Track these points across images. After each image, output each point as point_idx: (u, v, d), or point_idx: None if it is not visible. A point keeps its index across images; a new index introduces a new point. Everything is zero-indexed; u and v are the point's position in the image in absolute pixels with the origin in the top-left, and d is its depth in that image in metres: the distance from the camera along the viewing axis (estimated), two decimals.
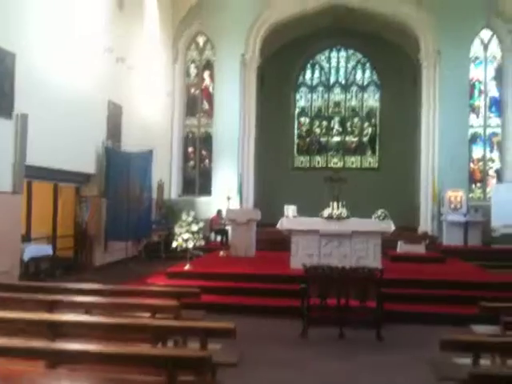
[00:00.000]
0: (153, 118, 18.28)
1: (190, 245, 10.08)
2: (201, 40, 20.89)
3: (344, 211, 10.29)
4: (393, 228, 10.32)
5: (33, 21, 11.26)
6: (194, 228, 10.10)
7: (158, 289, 6.45)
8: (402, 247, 13.18)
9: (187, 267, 10.28)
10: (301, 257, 10.42)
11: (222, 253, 13.17)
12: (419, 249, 13.03)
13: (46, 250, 11.66)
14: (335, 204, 10.43)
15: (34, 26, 11.28)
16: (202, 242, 10.44)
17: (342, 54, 25.84)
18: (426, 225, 18.75)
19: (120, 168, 14.54)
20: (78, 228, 14.09)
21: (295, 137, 25.55)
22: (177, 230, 10.22)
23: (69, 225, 14.10)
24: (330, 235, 10.31)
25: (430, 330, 7.81)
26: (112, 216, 14.33)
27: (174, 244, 10.22)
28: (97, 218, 14.33)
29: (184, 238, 10.02)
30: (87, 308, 5.51)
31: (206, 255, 13.52)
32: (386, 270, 10.22)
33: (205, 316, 6.38)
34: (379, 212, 10.31)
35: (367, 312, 6.88)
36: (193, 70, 20.97)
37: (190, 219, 10.16)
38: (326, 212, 10.34)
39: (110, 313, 5.39)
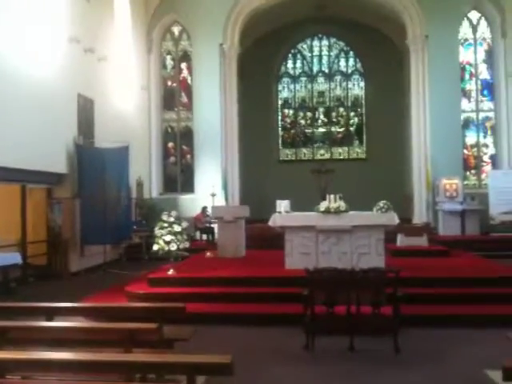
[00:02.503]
0: (128, 112, 17.16)
1: (173, 247, 9.02)
2: (176, 30, 19.79)
3: (342, 204, 9.31)
4: (397, 221, 9.37)
5: None
6: (177, 229, 9.03)
7: (137, 305, 5.43)
8: (402, 240, 12.27)
9: (170, 272, 9.21)
10: (296, 256, 9.43)
11: (208, 254, 12.13)
12: (421, 241, 12.13)
13: (13, 258, 10.52)
14: (332, 196, 9.44)
15: None
16: (187, 244, 9.38)
17: (324, 42, 24.99)
18: (420, 215, 17.94)
19: (94, 166, 13.42)
20: (50, 232, 13.00)
21: (279, 129, 24.62)
22: (157, 231, 9.13)
23: (41, 229, 13.01)
24: (328, 231, 9.32)
25: (450, 336, 6.91)
26: (87, 218, 13.23)
27: (155, 247, 9.15)
28: (71, 220, 13.23)
29: (166, 240, 8.96)
30: (51, 334, 4.46)
31: (192, 256, 12.47)
32: (389, 266, 9.39)
33: (193, 333, 5.38)
34: (381, 203, 9.34)
35: (382, 320, 5.92)
36: (169, 62, 19.85)
37: (172, 219, 9.09)
38: (323, 205, 9.35)
39: (78, 342, 4.36)
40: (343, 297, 5.85)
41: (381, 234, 9.35)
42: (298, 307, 6.67)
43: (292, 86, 24.83)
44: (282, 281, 8.56)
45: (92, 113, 14.49)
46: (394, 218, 9.32)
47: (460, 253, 12.25)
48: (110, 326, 4.30)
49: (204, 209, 16.15)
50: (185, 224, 9.34)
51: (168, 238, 8.95)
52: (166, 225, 9.07)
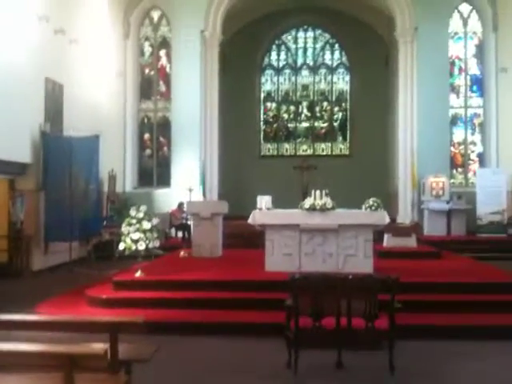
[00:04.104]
0: (102, 99, 16.12)
1: (142, 246, 8.14)
2: (155, 15, 18.81)
3: (328, 201, 8.53)
4: (387, 220, 8.63)
5: None
6: (146, 226, 8.16)
7: (86, 319, 4.57)
8: (389, 241, 11.54)
9: (138, 274, 8.33)
10: (278, 257, 8.63)
11: (182, 253, 11.26)
12: (409, 242, 11.41)
13: None
14: (317, 193, 8.66)
15: None
16: (157, 243, 8.51)
17: (310, 34, 24.21)
18: (405, 214, 17.27)
19: (61, 156, 12.44)
20: (11, 228, 11.98)
21: (261, 123, 23.76)
22: (124, 228, 8.24)
23: (1, 224, 11.97)
24: (313, 230, 8.54)
25: (448, 349, 6.17)
26: (52, 213, 12.25)
27: (122, 246, 8.26)
28: (34, 215, 12.25)
29: (133, 238, 8.08)
30: None
31: (165, 255, 11.64)
32: (377, 269, 8.65)
33: (155, 351, 4.53)
34: (371, 201, 8.57)
35: (377, 335, 5.15)
36: (147, 49, 18.87)
37: (141, 215, 8.21)
38: (308, 202, 8.56)
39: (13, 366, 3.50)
40: (332, 307, 5.06)
41: (369, 235, 8.60)
42: (279, 315, 5.89)
43: (275, 79, 24.01)
44: (262, 285, 7.74)
45: (61, 99, 13.48)
46: (384, 218, 8.57)
47: (450, 254, 11.59)
48: (47, 349, 3.44)
49: (180, 204, 15.24)
50: (155, 220, 8.46)
51: (136, 235, 8.07)
52: (134, 221, 8.19)
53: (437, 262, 10.22)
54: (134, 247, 8.10)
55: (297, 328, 5.07)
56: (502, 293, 7.51)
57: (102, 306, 7.45)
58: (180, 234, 15.38)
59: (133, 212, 8.29)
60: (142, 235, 8.08)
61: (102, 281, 9.34)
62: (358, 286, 5.00)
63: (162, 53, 18.69)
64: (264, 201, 8.88)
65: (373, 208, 8.58)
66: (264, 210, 8.81)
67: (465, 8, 18.01)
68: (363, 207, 8.71)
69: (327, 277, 5.10)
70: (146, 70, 18.72)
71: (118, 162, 17.22)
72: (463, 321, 6.73)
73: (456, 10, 17.93)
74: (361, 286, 5.00)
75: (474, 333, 6.42)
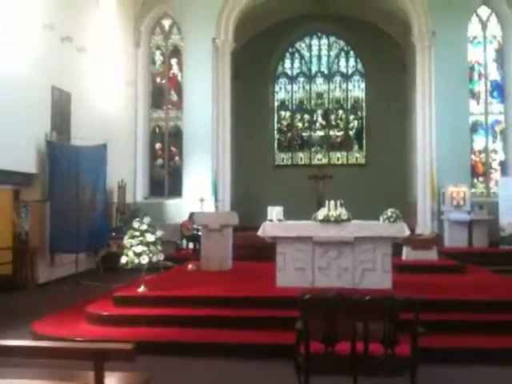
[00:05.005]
0: (112, 109, 15.80)
1: (145, 260, 7.69)
2: (166, 23, 18.51)
3: (344, 212, 8.01)
4: (407, 232, 8.08)
5: None
6: (150, 238, 7.71)
7: (68, 346, 4.09)
8: (409, 254, 10.95)
9: (141, 289, 7.88)
10: (290, 271, 8.11)
11: (190, 266, 10.78)
12: (430, 255, 10.80)
13: None
14: (332, 203, 8.14)
15: None
16: (161, 257, 8.04)
17: (324, 41, 23.77)
18: (424, 225, 16.62)
19: (67, 166, 12.12)
20: (16, 239, 11.64)
21: (275, 132, 23.31)
22: (126, 241, 7.80)
23: (5, 236, 11.63)
24: (327, 243, 8.02)
25: (484, 376, 5.59)
26: (58, 224, 11.89)
27: (124, 260, 7.80)
28: (40, 226, 11.90)
29: (136, 251, 7.64)
30: None
31: (175, 267, 11.22)
32: (397, 285, 8.13)
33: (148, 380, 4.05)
34: (389, 212, 8.03)
35: (396, 362, 4.61)
36: (158, 57, 18.57)
37: (144, 227, 7.77)
38: (321, 213, 8.04)
39: None
40: (346, 331, 4.54)
41: (387, 248, 8.06)
42: (290, 335, 5.38)
43: (289, 87, 23.57)
44: (271, 302, 7.23)
45: (69, 107, 13.17)
46: (403, 229, 8.02)
47: (474, 268, 10.94)
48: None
49: (191, 215, 14.81)
50: (159, 233, 8.02)
51: (139, 248, 7.62)
52: (137, 233, 7.75)
53: (460, 277, 9.61)
54: (136, 261, 7.65)
55: (307, 354, 4.55)
56: None
57: (102, 323, 7.01)
58: (191, 246, 14.96)
59: (136, 224, 7.85)
60: (145, 248, 7.63)
61: (105, 295, 8.90)
62: (376, 308, 4.47)
63: (174, 61, 18.38)
64: (275, 212, 8.39)
65: (391, 219, 8.03)
66: (275, 222, 8.32)
67: (484, 11, 17.40)
68: (381, 218, 8.17)
69: (341, 297, 4.58)
70: (158, 79, 18.42)
71: (128, 172, 16.89)
72: (494, 343, 6.12)
73: (475, 14, 17.33)
74: (379, 307, 4.47)
75: (507, 356, 5.81)
